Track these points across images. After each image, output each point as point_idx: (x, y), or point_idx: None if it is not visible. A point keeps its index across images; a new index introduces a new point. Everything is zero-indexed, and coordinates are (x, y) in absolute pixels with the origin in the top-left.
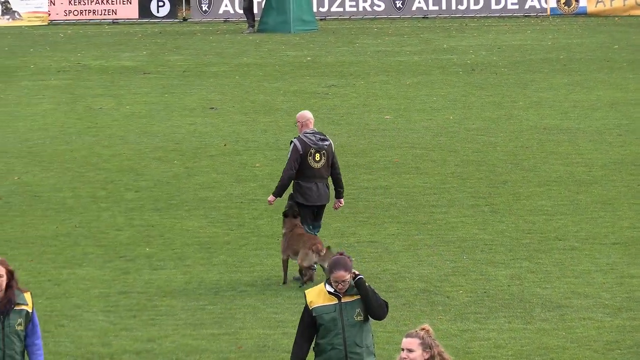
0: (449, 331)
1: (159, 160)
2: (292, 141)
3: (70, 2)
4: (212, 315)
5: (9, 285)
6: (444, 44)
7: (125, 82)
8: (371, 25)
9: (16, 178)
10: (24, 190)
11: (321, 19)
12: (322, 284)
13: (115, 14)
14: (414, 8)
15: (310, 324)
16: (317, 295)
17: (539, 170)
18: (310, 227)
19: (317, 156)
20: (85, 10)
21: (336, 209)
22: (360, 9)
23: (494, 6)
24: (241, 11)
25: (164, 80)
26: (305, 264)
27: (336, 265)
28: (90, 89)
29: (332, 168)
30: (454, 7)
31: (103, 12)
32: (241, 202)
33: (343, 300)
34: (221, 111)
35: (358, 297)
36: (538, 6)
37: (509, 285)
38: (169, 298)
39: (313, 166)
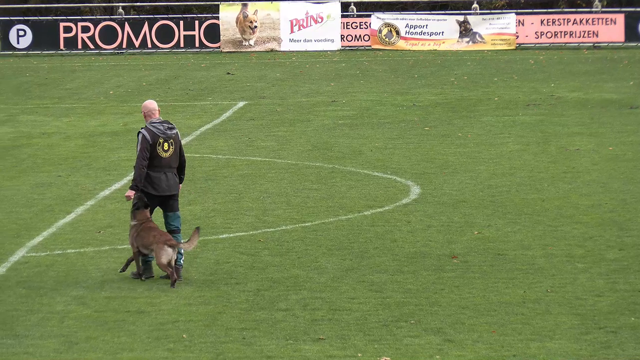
0: None
1: None
2: (139, 132)
3: (542, 22)
4: None
5: None
6: None
7: (608, 119)
8: None
9: (476, 233)
10: (485, 248)
11: None
12: None
13: (597, 36)
14: None
15: None
16: None
17: None
18: (169, 217)
19: (166, 145)
20: (561, 32)
21: None
22: None
23: None
24: None
25: None
26: (164, 260)
27: None
28: (566, 126)
29: (179, 155)
30: None
31: (582, 34)
32: None
33: None
34: None
35: None
36: None
37: None
38: None
39: (162, 155)
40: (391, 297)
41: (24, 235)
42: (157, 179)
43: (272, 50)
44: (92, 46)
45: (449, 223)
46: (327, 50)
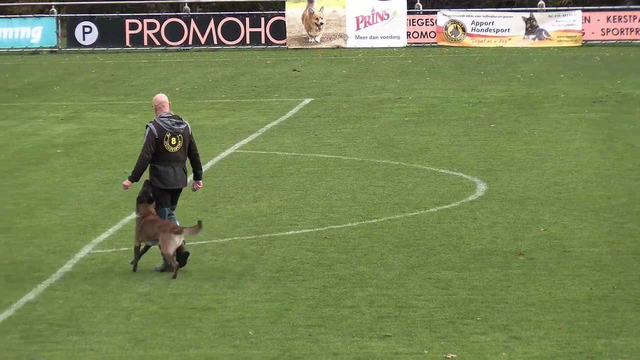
0: None
1: None
2: (147, 125)
3: (608, 19)
4: None
5: None
6: None
7: None
8: None
9: (542, 230)
10: (551, 245)
11: None
12: None
13: None
14: None
15: None
16: None
17: None
18: (169, 209)
19: (173, 140)
20: (627, 29)
21: (194, 190)
22: None
23: None
24: None
25: None
26: (170, 250)
27: None
28: (632, 123)
29: (190, 150)
30: None
31: None
32: None
33: None
34: None
35: None
36: None
37: None
38: None
39: (169, 150)
40: (457, 294)
41: (90, 232)
42: (165, 172)
43: (338, 47)
44: (158, 43)
45: (515, 220)
46: (393, 47)
